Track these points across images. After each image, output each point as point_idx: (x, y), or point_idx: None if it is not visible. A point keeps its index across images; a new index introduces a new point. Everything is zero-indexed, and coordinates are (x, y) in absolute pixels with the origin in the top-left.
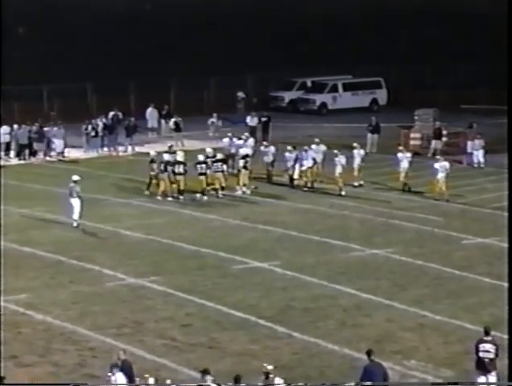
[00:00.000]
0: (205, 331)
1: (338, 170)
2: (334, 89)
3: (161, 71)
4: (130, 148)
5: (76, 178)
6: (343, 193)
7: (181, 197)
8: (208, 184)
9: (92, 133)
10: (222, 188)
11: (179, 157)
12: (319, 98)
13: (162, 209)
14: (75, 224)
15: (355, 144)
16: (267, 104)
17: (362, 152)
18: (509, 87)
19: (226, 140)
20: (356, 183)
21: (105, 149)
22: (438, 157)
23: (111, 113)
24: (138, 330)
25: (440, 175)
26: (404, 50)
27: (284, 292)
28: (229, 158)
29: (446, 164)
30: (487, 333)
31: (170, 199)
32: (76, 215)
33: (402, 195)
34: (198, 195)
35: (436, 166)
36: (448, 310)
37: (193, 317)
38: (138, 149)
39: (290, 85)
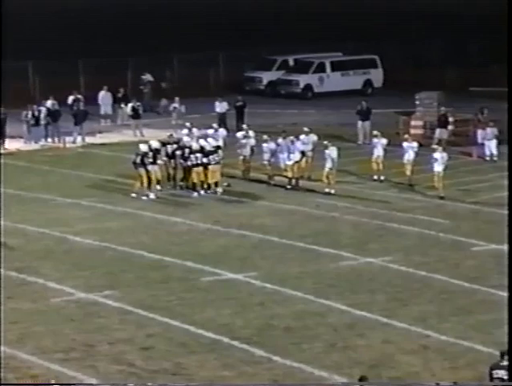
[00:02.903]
0: (169, 355)
1: (328, 164)
2: (321, 69)
3: (116, 48)
4: (79, 138)
5: None
6: (332, 191)
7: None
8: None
9: (32, 122)
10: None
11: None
12: (303, 79)
13: (118, 211)
14: None
15: (375, 132)
16: (242, 87)
17: (384, 141)
18: (510, 69)
19: (185, 131)
20: (376, 177)
21: (50, 139)
22: (435, 146)
23: (71, 98)
24: (89, 354)
25: (439, 167)
26: (403, 22)
27: (263, 308)
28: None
29: (445, 155)
30: (503, 356)
31: (152, 195)
32: None
33: (401, 193)
34: (196, 194)
35: (436, 155)
36: (455, 329)
37: (155, 338)
38: (88, 139)
39: (269, 64)
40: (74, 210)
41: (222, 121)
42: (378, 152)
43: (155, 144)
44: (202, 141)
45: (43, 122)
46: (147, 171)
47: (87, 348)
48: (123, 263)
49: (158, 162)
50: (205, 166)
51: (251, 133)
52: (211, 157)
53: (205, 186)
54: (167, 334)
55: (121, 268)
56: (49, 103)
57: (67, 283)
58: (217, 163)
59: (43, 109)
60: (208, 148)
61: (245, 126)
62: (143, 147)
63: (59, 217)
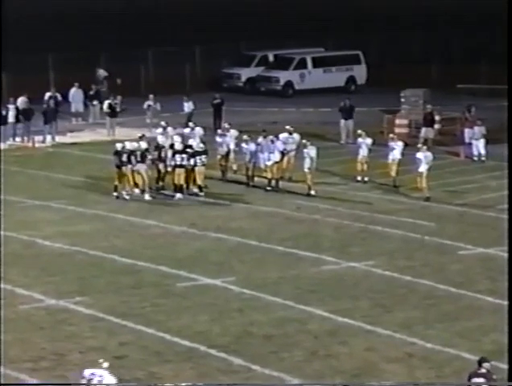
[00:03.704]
0: (143, 364)
1: (306, 164)
2: (302, 65)
3: (88, 41)
4: (49, 137)
5: None
6: (313, 192)
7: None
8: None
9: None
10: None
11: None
12: (283, 76)
13: (89, 213)
14: None
15: (359, 131)
16: (219, 84)
17: (369, 141)
18: (510, 67)
19: (160, 130)
20: (359, 178)
21: (18, 139)
22: (420, 145)
23: (47, 94)
24: (59, 363)
25: (423, 167)
26: (388, 16)
27: (241, 315)
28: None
29: (430, 155)
30: (480, 364)
31: (136, 192)
32: None
33: (385, 195)
34: (178, 195)
35: (420, 155)
36: (441, 336)
37: (128, 346)
38: (58, 138)
39: (247, 60)
40: (43, 212)
41: (188, 120)
42: (363, 152)
43: (144, 144)
44: (190, 141)
45: (11, 121)
46: (133, 171)
47: (57, 357)
48: (94, 268)
49: (147, 161)
50: (192, 167)
51: (232, 132)
52: (198, 158)
53: (185, 187)
54: (140, 343)
55: (92, 273)
56: (20, 101)
57: (36, 289)
58: (203, 165)
59: (11, 107)
60: (196, 148)
61: (226, 125)
62: (129, 145)
63: (28, 220)
